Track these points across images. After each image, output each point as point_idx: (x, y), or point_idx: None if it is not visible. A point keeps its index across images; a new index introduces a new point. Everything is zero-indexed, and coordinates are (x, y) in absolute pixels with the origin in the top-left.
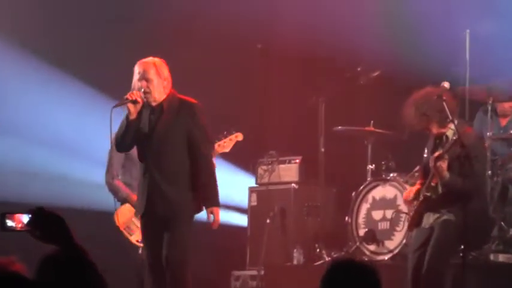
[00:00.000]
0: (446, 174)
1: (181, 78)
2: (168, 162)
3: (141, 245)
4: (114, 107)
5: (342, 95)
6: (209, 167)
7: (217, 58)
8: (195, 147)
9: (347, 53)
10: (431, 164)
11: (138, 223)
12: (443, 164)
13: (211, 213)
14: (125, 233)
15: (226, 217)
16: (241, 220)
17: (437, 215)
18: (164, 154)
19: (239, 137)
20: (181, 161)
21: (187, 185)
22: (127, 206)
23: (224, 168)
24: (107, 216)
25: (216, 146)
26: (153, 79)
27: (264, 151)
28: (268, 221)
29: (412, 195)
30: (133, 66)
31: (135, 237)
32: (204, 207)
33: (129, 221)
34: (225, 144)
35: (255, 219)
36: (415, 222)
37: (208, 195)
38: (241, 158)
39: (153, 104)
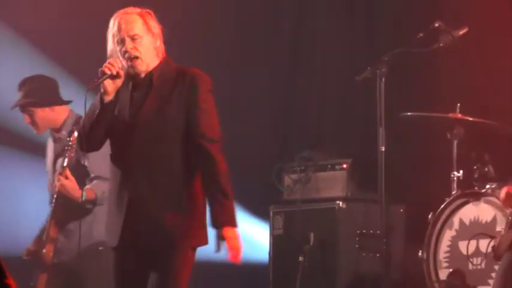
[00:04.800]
0: None
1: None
2: (160, 166)
3: None
4: (89, 89)
5: (412, 64)
6: (217, 169)
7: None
8: (196, 139)
9: (418, 2)
10: None
11: None
12: None
13: (222, 238)
14: None
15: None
16: (260, 254)
17: None
18: (154, 152)
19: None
20: (180, 164)
21: (188, 202)
22: None
23: None
24: None
25: None
26: (142, 36)
27: (292, 151)
28: (301, 258)
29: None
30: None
31: None
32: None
33: None
34: None
35: (280, 255)
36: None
37: (217, 212)
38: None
39: (142, 75)
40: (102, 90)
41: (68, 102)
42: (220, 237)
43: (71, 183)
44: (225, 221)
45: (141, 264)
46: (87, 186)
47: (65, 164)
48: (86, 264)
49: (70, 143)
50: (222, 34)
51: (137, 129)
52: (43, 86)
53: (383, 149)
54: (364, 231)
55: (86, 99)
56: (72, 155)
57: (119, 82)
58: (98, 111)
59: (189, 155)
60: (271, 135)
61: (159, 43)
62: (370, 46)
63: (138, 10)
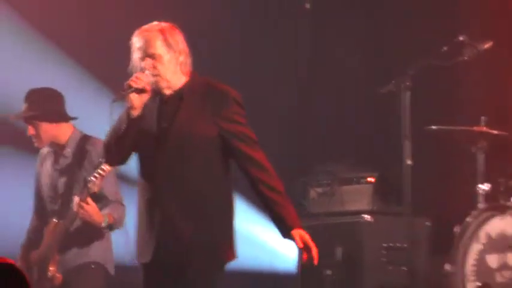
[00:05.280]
0: None
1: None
2: (192, 182)
3: None
4: (114, 100)
5: (436, 78)
6: (272, 175)
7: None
8: (238, 152)
9: (442, 16)
10: None
11: None
12: None
13: (299, 237)
14: None
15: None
16: (285, 265)
17: None
18: (184, 169)
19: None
20: (210, 180)
21: (218, 219)
22: None
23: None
24: None
25: None
26: (161, 54)
27: (316, 163)
28: (328, 272)
29: None
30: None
31: None
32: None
33: None
34: None
35: (307, 269)
36: None
37: (286, 215)
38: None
39: (166, 92)
40: (128, 105)
41: (73, 119)
42: (296, 237)
43: (93, 209)
44: (296, 223)
45: (172, 281)
46: (106, 211)
47: (91, 192)
48: (75, 278)
49: (103, 172)
50: (236, 47)
51: (168, 144)
52: (49, 99)
53: (409, 163)
54: (390, 244)
55: (111, 110)
56: (100, 183)
57: (146, 97)
58: (124, 125)
59: (226, 172)
60: (291, 148)
61: (184, 58)
62: (393, 57)
63: (160, 26)
